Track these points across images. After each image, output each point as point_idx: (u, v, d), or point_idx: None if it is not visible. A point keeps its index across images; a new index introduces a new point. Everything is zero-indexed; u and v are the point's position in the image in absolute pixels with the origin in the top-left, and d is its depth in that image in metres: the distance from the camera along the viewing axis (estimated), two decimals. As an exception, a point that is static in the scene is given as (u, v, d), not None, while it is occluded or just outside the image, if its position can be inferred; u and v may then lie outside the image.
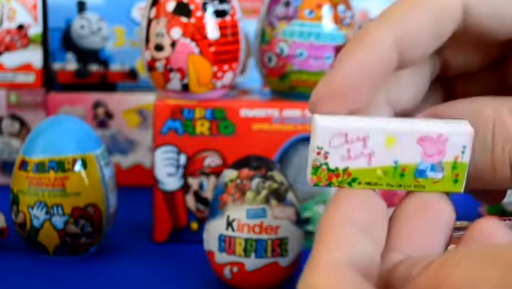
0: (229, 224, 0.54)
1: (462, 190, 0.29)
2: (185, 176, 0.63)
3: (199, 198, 0.64)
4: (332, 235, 0.26)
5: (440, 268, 0.24)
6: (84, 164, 0.59)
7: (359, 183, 0.28)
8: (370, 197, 0.27)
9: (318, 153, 0.28)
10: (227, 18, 0.62)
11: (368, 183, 0.28)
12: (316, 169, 0.28)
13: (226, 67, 0.62)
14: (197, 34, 0.60)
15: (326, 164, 0.28)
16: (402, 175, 0.28)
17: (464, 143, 0.28)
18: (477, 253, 0.24)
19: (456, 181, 0.28)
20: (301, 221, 0.55)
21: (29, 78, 0.77)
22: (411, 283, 0.25)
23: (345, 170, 0.28)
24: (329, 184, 0.28)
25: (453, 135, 0.28)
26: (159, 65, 0.61)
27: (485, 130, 0.29)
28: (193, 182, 0.63)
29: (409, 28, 0.30)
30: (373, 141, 0.28)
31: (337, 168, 0.28)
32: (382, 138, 0.28)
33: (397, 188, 0.28)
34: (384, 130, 0.28)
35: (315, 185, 0.28)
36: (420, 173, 0.28)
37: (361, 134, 0.28)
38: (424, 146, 0.28)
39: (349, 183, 0.28)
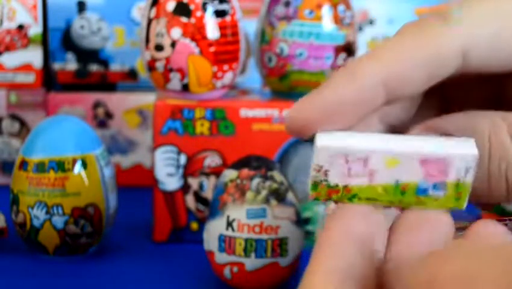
0: (229, 224, 0.54)
1: (464, 207, 0.28)
2: (185, 176, 0.63)
3: (199, 198, 0.64)
4: (330, 247, 0.26)
5: (434, 261, 0.24)
6: (84, 164, 0.59)
7: (359, 199, 0.28)
8: (369, 210, 0.27)
9: (318, 171, 0.28)
10: (227, 18, 0.62)
11: (369, 199, 0.28)
12: (315, 185, 0.28)
13: (226, 67, 0.62)
14: (197, 34, 0.60)
15: (326, 180, 0.28)
16: (403, 193, 0.28)
17: (468, 166, 0.28)
18: (474, 250, 0.24)
19: (458, 199, 0.28)
20: (301, 221, 0.55)
21: (29, 78, 0.77)
22: (403, 275, 0.25)
23: (345, 187, 0.28)
24: (329, 199, 0.28)
25: (457, 158, 0.28)
26: (159, 65, 0.61)
27: (481, 147, 0.29)
28: (193, 182, 0.63)
29: (398, 68, 0.29)
30: (374, 162, 0.28)
31: (336, 185, 0.28)
32: (383, 160, 0.28)
33: (398, 205, 0.28)
34: (385, 152, 0.28)
35: (316, 199, 0.28)
36: (421, 191, 0.28)
37: (362, 155, 0.28)
38: (427, 167, 0.28)
39: (349, 199, 0.28)
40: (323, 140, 0.28)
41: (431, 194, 0.28)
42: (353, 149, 0.27)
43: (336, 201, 0.28)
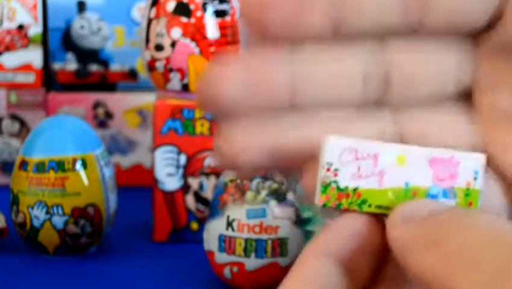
0: (229, 224, 0.54)
1: None
2: (185, 176, 0.63)
3: (199, 198, 0.64)
4: (305, 266, 0.25)
5: (451, 221, 0.24)
6: (84, 164, 0.59)
7: (370, 206, 0.28)
8: (362, 227, 0.27)
9: (328, 170, 0.27)
10: (227, 18, 0.62)
11: (379, 207, 0.28)
12: (325, 187, 0.27)
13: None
14: (197, 34, 0.60)
15: (336, 182, 0.28)
16: (413, 199, 0.28)
17: (476, 168, 0.28)
18: (495, 226, 0.24)
19: None
20: (301, 221, 0.55)
21: (29, 78, 0.77)
22: (411, 224, 0.25)
23: (355, 190, 0.28)
24: (339, 205, 0.28)
25: (465, 159, 0.28)
26: (159, 65, 0.61)
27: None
28: (193, 182, 0.63)
29: None
30: (384, 158, 0.27)
31: (346, 188, 0.28)
32: (394, 156, 0.27)
33: None
34: (395, 148, 0.28)
35: (324, 205, 0.27)
36: (431, 197, 0.28)
37: (371, 151, 0.27)
38: (436, 168, 0.28)
39: (359, 205, 0.28)
40: (333, 136, 0.27)
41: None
42: (364, 144, 0.27)
43: (346, 210, 0.28)
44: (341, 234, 0.26)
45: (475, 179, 0.28)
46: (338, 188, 0.27)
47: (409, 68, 0.27)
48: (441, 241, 0.24)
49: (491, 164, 0.28)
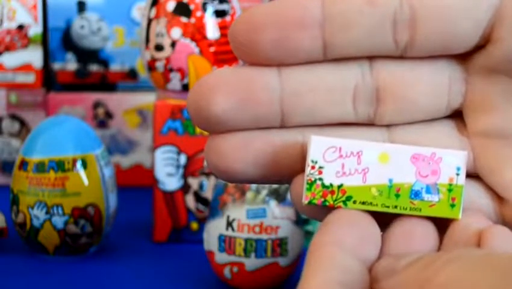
0: (229, 224, 0.54)
1: (459, 216, 0.29)
2: (185, 176, 0.63)
3: (199, 198, 0.64)
4: (321, 257, 0.26)
5: (430, 265, 0.24)
6: (84, 164, 0.59)
7: (354, 202, 0.28)
8: (360, 217, 0.27)
9: (313, 168, 0.28)
10: (227, 18, 0.62)
11: (364, 203, 0.28)
12: (311, 185, 0.28)
13: (226, 67, 0.62)
14: (197, 34, 0.60)
15: (321, 179, 0.28)
16: (397, 196, 0.28)
17: (458, 164, 0.28)
18: (473, 256, 0.24)
19: (453, 206, 0.28)
20: (301, 221, 0.55)
21: (29, 78, 0.77)
22: (395, 275, 0.25)
23: (340, 187, 0.28)
24: (324, 202, 0.28)
25: (446, 155, 0.28)
26: (159, 65, 0.61)
27: None
28: (193, 182, 0.63)
29: None
30: (367, 156, 0.28)
31: (331, 185, 0.28)
32: (376, 154, 0.28)
33: (393, 210, 0.28)
34: (377, 146, 0.28)
35: (310, 202, 0.28)
36: (415, 194, 0.28)
37: (355, 149, 0.28)
38: (418, 165, 0.28)
39: (344, 202, 0.28)
40: (317, 136, 0.28)
41: (425, 198, 0.28)
42: (347, 143, 0.28)
43: (331, 206, 0.28)
44: (344, 224, 0.27)
45: (457, 175, 0.28)
46: (323, 185, 0.28)
47: (400, 89, 0.28)
48: (430, 278, 0.24)
49: (482, 180, 0.28)
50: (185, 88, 0.62)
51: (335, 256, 0.26)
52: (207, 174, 0.63)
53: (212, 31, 0.61)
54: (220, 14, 0.61)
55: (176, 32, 0.60)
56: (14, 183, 0.60)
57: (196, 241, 0.63)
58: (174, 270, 0.59)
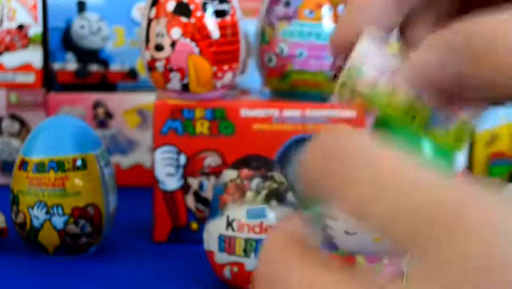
0: (229, 224, 0.54)
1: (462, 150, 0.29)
2: (185, 176, 0.63)
3: (199, 198, 0.64)
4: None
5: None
6: (84, 164, 0.59)
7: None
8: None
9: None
10: (228, 18, 0.62)
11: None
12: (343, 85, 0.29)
13: (226, 67, 0.62)
14: (197, 34, 0.60)
15: (361, 71, 0.29)
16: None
17: (476, 113, 0.29)
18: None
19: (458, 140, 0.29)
20: (301, 221, 0.55)
21: (29, 78, 0.77)
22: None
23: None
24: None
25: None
26: (159, 65, 0.61)
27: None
28: (193, 182, 0.63)
29: None
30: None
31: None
32: None
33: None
34: None
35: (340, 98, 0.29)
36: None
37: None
38: None
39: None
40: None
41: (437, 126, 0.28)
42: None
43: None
44: None
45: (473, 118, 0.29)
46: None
47: None
48: None
49: None
50: (185, 88, 0.62)
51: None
52: (207, 174, 0.63)
53: (212, 31, 0.61)
54: (220, 14, 0.61)
55: (176, 32, 0.60)
56: (14, 183, 0.60)
57: (196, 241, 0.63)
58: (174, 270, 0.59)
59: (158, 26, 0.61)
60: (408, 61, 0.28)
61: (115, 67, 0.79)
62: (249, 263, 0.54)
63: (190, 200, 0.64)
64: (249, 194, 0.53)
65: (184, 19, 0.60)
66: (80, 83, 0.79)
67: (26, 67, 0.77)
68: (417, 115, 0.28)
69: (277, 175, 0.54)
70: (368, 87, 0.28)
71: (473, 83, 0.26)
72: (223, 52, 0.61)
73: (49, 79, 0.79)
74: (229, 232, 0.54)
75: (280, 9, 0.63)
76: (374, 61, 0.28)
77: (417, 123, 0.28)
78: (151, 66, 0.62)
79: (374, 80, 0.28)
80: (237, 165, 0.55)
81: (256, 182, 0.54)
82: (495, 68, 0.25)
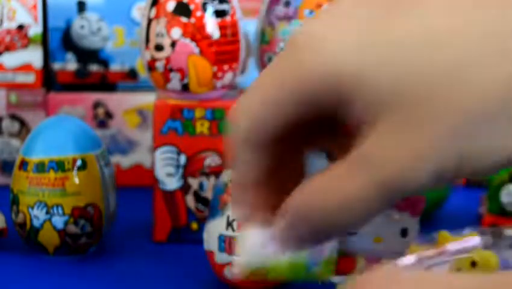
0: (229, 224, 0.54)
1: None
2: (185, 176, 0.63)
3: (199, 198, 0.64)
4: None
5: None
6: (84, 164, 0.59)
7: None
8: None
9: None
10: (228, 18, 0.62)
11: None
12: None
13: (226, 67, 0.62)
14: (197, 34, 0.60)
15: None
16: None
17: None
18: (414, 277, 0.26)
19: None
20: (301, 221, 0.55)
21: (29, 78, 0.77)
22: None
23: None
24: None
25: None
26: (159, 65, 0.61)
27: None
28: (193, 182, 0.63)
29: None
30: None
31: None
32: None
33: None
34: None
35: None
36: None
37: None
38: None
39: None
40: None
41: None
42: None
43: None
44: None
45: None
46: None
47: None
48: None
49: None
50: (185, 88, 0.62)
51: None
52: (207, 174, 0.63)
53: (212, 31, 0.61)
54: (220, 14, 0.61)
55: (176, 32, 0.60)
56: (14, 183, 0.60)
57: (196, 241, 0.63)
58: (174, 270, 0.59)
59: (158, 26, 0.61)
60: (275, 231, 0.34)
61: (115, 67, 0.79)
62: (249, 263, 0.53)
63: (190, 200, 0.64)
64: (249, 194, 0.53)
65: (184, 19, 0.60)
66: (80, 83, 0.79)
67: (26, 67, 0.77)
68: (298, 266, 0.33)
69: (277, 175, 0.54)
70: (262, 263, 0.33)
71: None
72: (223, 52, 0.61)
73: (49, 79, 0.79)
74: (229, 232, 0.54)
75: (280, 9, 0.63)
76: (259, 241, 0.33)
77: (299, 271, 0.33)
78: (151, 66, 0.62)
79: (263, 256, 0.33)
80: (237, 165, 0.55)
81: (256, 182, 0.54)
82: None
